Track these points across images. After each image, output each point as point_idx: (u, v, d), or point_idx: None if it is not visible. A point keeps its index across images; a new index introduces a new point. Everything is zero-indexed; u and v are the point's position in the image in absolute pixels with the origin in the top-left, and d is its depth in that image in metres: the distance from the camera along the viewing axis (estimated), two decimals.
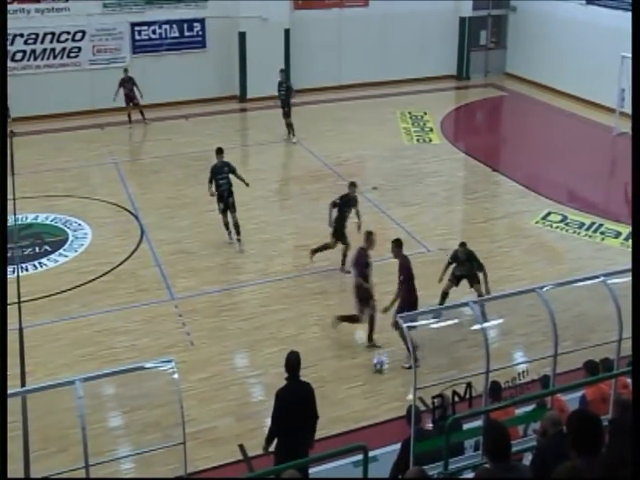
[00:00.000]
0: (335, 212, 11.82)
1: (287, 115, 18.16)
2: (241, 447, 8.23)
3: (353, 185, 12.19)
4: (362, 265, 9.94)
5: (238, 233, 12.73)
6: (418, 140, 18.57)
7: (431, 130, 19.22)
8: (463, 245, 10.53)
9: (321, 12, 22.66)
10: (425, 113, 20.37)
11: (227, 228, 12.87)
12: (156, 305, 11.01)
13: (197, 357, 9.74)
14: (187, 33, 22.04)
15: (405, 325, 7.74)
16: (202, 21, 22.00)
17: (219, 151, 12.90)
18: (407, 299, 9.56)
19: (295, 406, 7.25)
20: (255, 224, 13.70)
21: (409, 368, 9.34)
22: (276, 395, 7.26)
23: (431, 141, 18.51)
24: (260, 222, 13.78)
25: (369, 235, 10.11)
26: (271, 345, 9.93)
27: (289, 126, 18.20)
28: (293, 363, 7.30)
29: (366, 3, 23.17)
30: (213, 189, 12.76)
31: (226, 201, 12.78)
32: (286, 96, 18.10)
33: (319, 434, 8.23)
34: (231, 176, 12.93)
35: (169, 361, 8.08)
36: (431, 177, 16.07)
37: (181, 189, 15.44)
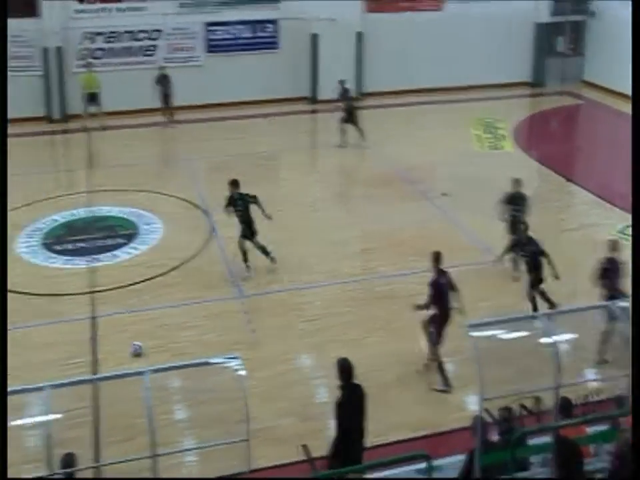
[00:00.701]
0: (504, 209, 12.02)
1: (354, 121, 18.16)
2: (304, 447, 8.26)
3: (516, 181, 12.11)
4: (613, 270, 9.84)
5: (267, 254, 11.93)
6: (490, 147, 18.34)
7: (504, 137, 18.95)
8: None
9: (393, 15, 22.65)
10: (498, 120, 20.08)
11: (245, 257, 11.87)
12: (223, 302, 11.20)
13: (262, 355, 9.85)
14: (259, 34, 22.38)
15: (473, 334, 7.65)
16: (274, 22, 22.29)
17: (234, 183, 11.91)
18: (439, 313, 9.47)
19: (356, 412, 7.25)
20: (321, 226, 13.78)
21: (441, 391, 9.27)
22: (337, 406, 7.22)
23: (503, 148, 18.26)
24: (326, 224, 13.85)
25: (615, 243, 10.10)
26: (336, 347, 9.94)
27: (346, 131, 18.22)
28: (347, 369, 7.28)
29: (440, 7, 23.03)
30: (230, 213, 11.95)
31: (245, 232, 11.85)
32: (350, 104, 18.12)
33: (381, 439, 8.26)
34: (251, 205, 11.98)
35: (236, 358, 8.24)
36: (502, 185, 15.79)
37: (250, 188, 15.60)
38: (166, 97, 20.03)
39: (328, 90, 21.62)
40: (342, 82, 18.80)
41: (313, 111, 21.59)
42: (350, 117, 18.08)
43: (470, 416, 8.15)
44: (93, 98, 19.92)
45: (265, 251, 11.96)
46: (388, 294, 11.40)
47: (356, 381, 7.31)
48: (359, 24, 22.13)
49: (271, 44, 22.50)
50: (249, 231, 11.84)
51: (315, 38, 22.08)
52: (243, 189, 15.37)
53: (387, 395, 9.16)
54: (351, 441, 7.28)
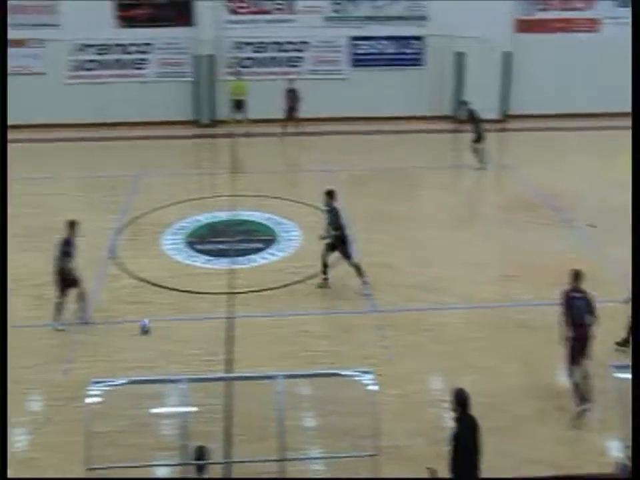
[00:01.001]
0: None
1: (478, 142, 17.95)
2: (431, 470, 8.17)
3: None
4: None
5: (360, 275, 11.90)
6: None
7: None
8: None
9: (544, 36, 22.13)
10: None
11: (325, 268, 12.04)
12: (357, 315, 11.31)
13: (394, 372, 9.83)
14: (404, 50, 22.53)
15: (618, 376, 7.29)
16: (420, 39, 22.36)
17: (329, 194, 11.95)
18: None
19: (470, 445, 7.09)
20: (459, 247, 13.63)
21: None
22: (454, 438, 7.09)
23: None
24: (464, 246, 13.66)
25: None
26: (469, 372, 9.79)
27: (480, 152, 17.96)
28: (463, 399, 7.14)
29: (596, 28, 22.25)
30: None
31: (333, 245, 11.94)
32: (476, 125, 17.96)
33: (512, 474, 8.03)
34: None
35: (368, 372, 8.29)
36: None
37: (388, 203, 15.77)
38: (292, 109, 20.61)
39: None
40: (465, 102, 18.61)
41: (455, 131, 21.40)
42: (477, 138, 17.85)
43: (611, 462, 7.80)
44: (239, 105, 20.82)
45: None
46: (526, 323, 11.09)
47: (471, 413, 7.15)
48: (507, 44, 21.78)
49: (415, 60, 22.61)
50: (334, 243, 11.94)
51: (460, 56, 21.94)
52: (384, 205, 15.50)
53: (521, 428, 8.91)
54: (465, 475, 7.12)
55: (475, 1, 20.92)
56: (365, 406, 8.36)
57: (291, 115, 20.69)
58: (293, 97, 20.64)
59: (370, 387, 8.17)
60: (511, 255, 13.45)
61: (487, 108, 19.10)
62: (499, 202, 16.87)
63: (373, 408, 8.03)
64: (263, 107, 21.21)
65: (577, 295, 9.22)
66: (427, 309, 11.50)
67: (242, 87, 20.94)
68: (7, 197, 10.32)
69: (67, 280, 10.88)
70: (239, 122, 20.70)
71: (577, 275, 9.37)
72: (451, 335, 10.79)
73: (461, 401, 7.16)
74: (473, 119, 18.07)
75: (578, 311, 9.11)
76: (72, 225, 11.04)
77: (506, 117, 21.78)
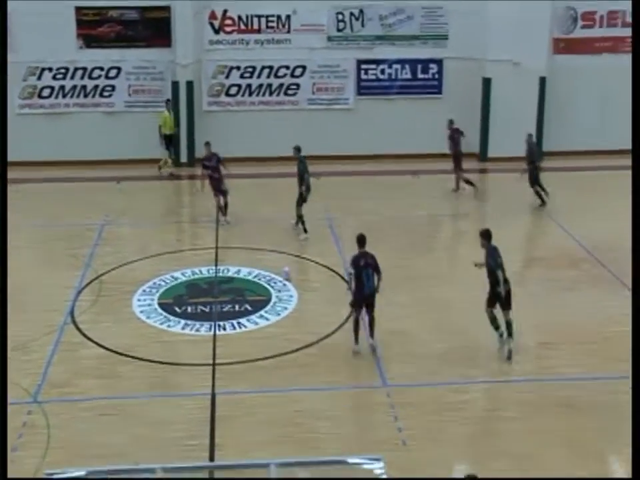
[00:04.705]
0: None
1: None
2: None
3: None
4: None
5: None
6: None
7: None
8: None
9: (587, 58, 22.81)
10: None
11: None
12: (366, 390, 11.54)
13: (408, 459, 9.98)
14: (420, 75, 23.24)
15: None
16: (439, 62, 23.08)
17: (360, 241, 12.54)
18: None
19: None
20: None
21: None
22: None
23: None
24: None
25: None
26: (502, 460, 9.96)
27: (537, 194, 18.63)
28: None
29: None
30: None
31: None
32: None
33: None
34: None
35: (377, 459, 8.48)
36: None
37: (405, 258, 16.12)
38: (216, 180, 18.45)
39: (501, 145, 21.99)
40: (530, 136, 19.32)
41: (482, 170, 21.92)
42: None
43: None
44: (170, 140, 21.72)
45: None
46: (569, 401, 11.27)
47: None
48: (543, 68, 22.41)
49: (433, 88, 23.24)
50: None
51: (487, 83, 22.57)
52: (400, 260, 15.77)
53: None
54: None
55: (505, 18, 21.63)
56: None
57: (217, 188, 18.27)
58: (213, 163, 18.33)
59: (380, 476, 8.35)
60: (551, 319, 13.69)
61: (517, 143, 19.46)
62: (537, 256, 17.20)
63: None
64: (252, 143, 21.84)
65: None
66: (449, 383, 11.71)
67: (171, 119, 21.78)
68: (6, 198, 10.73)
69: None
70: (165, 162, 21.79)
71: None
72: (479, 415, 10.99)
73: None
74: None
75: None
76: None
77: (542, 155, 22.27)
